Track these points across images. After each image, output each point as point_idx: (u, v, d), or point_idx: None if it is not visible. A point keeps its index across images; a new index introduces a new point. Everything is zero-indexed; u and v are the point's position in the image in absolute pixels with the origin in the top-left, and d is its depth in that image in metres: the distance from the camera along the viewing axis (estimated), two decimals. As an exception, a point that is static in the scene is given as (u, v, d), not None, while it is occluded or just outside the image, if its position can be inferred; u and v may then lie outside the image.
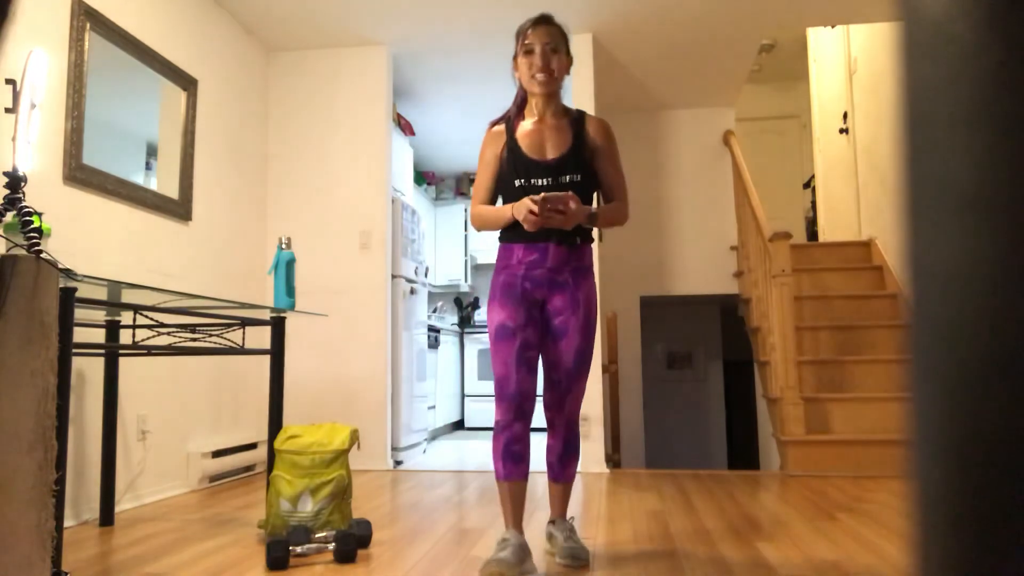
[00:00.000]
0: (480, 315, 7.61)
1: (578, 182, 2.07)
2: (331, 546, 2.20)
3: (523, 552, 1.98)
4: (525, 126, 2.15)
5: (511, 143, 2.13)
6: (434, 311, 7.31)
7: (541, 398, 1.97)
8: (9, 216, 1.98)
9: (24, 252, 1.87)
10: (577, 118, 2.18)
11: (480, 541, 2.43)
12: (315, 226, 4.36)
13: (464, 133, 6.11)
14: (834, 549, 2.26)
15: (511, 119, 2.18)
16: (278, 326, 2.76)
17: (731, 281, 5.37)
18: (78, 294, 1.91)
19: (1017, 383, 0.25)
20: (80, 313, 2.42)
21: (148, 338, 2.59)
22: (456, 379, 6.87)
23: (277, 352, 2.72)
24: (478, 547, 2.35)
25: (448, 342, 6.55)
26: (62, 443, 1.54)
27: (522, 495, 2.05)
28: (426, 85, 5.02)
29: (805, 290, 4.96)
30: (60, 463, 1.50)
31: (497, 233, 2.19)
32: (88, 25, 2.89)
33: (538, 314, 2.09)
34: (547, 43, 2.07)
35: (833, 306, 4.74)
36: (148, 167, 3.33)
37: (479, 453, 5.11)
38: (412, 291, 4.82)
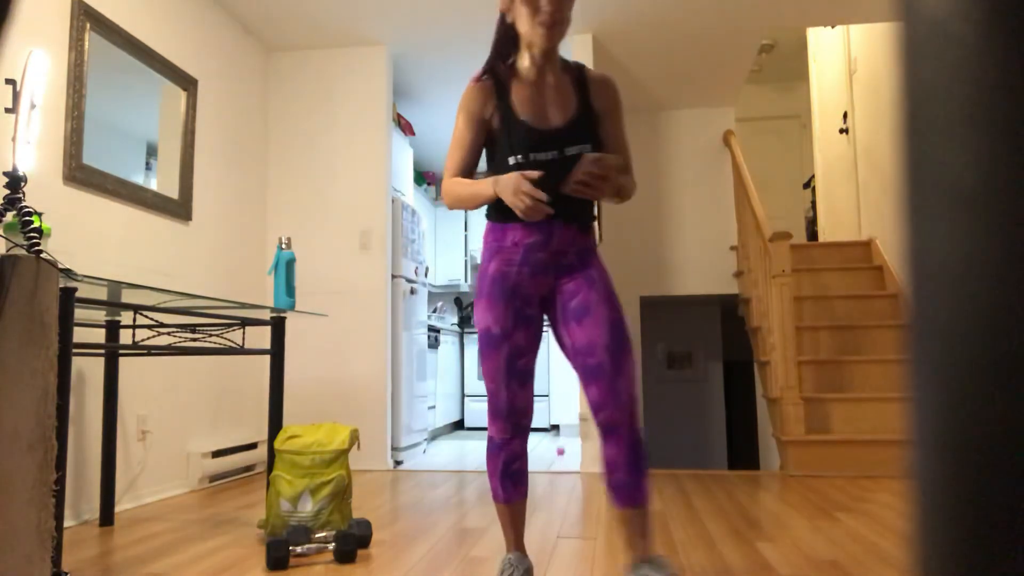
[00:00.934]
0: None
1: (588, 151, 1.69)
2: (331, 546, 2.20)
3: None
4: (519, 85, 1.72)
5: (504, 107, 1.70)
6: (434, 311, 7.31)
7: (587, 400, 1.65)
8: (9, 216, 1.98)
9: (24, 252, 1.87)
10: (579, 74, 1.76)
11: (480, 541, 2.43)
12: (315, 226, 4.36)
13: (464, 133, 6.10)
14: (834, 549, 2.26)
15: (500, 74, 1.73)
16: (278, 326, 2.76)
17: (731, 281, 5.37)
18: (78, 294, 1.91)
19: (1017, 383, 0.25)
20: (80, 313, 2.42)
21: (148, 338, 2.59)
22: (456, 379, 6.87)
23: (277, 352, 2.72)
24: (478, 547, 2.35)
25: (448, 342, 6.55)
26: (62, 443, 1.54)
27: (523, 514, 1.82)
28: (426, 85, 5.03)
29: (805, 290, 4.96)
30: (60, 463, 1.50)
31: (483, 210, 1.88)
32: (88, 25, 2.89)
33: (534, 311, 1.73)
34: None
35: (833, 306, 4.74)
36: (148, 167, 3.33)
37: (479, 453, 5.11)
38: (412, 291, 4.82)
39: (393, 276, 4.48)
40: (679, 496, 3.23)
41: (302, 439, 2.40)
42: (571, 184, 1.55)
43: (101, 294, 2.09)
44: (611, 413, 1.61)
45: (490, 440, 1.76)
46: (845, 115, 5.74)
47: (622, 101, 1.80)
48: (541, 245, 1.69)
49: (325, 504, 2.32)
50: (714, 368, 6.75)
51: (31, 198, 2.51)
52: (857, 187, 5.52)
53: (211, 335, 2.67)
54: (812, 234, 6.83)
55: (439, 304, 7.48)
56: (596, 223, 1.87)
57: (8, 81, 2.22)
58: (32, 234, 1.91)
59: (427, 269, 5.52)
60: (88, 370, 2.89)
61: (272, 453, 2.47)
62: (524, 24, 1.66)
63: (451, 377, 6.65)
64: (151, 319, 2.47)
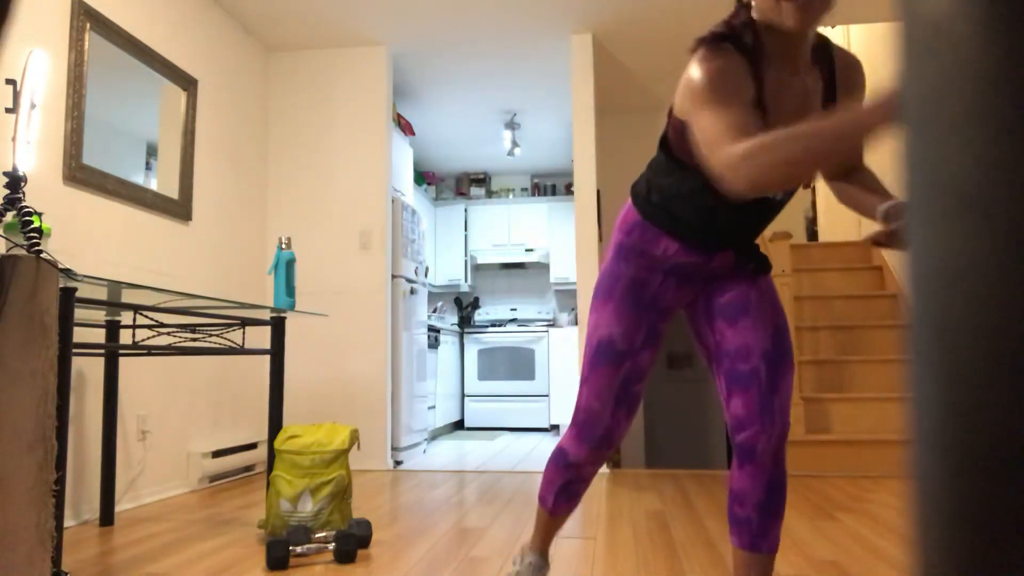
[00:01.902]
0: (480, 315, 7.61)
1: (782, 199, 1.36)
2: (331, 546, 2.20)
3: None
4: (774, 77, 1.23)
5: (759, 103, 1.20)
6: (434, 311, 7.31)
7: (727, 415, 1.36)
8: (9, 216, 1.98)
9: (24, 252, 1.87)
10: (828, 65, 1.29)
11: (480, 541, 2.43)
12: (315, 226, 4.36)
13: (464, 133, 6.11)
14: (834, 549, 2.26)
15: (752, 50, 1.21)
16: (278, 326, 2.76)
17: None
18: (78, 294, 1.91)
19: (1017, 383, 0.25)
20: (80, 313, 2.42)
21: (148, 338, 2.59)
22: (456, 379, 6.86)
23: (277, 352, 2.72)
24: (478, 547, 2.35)
25: (448, 342, 6.54)
26: (62, 443, 1.54)
27: (561, 526, 1.62)
28: (426, 85, 5.03)
29: (805, 290, 4.96)
30: (60, 463, 1.51)
31: (635, 207, 1.41)
32: (88, 25, 2.89)
33: (665, 326, 1.44)
34: None
35: (833, 306, 4.74)
36: (148, 167, 3.33)
37: (479, 453, 5.11)
38: (412, 291, 4.82)
39: (393, 276, 4.48)
40: (679, 496, 3.23)
41: (302, 439, 2.40)
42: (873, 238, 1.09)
43: (101, 294, 2.09)
44: (755, 435, 1.30)
45: (561, 452, 1.50)
46: (845, 115, 5.73)
47: (864, 79, 1.34)
48: (698, 265, 1.39)
49: (325, 504, 2.31)
50: (714, 368, 6.74)
51: (31, 198, 2.50)
52: (857, 187, 5.52)
53: (211, 335, 2.67)
54: (812, 234, 6.83)
55: (439, 304, 7.48)
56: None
57: (8, 81, 2.22)
58: (32, 234, 1.91)
59: (427, 269, 5.53)
60: (88, 370, 2.89)
61: (272, 453, 2.46)
62: (768, 2, 1.16)
63: (451, 377, 6.65)
64: (151, 319, 2.47)
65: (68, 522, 2.72)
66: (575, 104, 4.26)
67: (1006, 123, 0.25)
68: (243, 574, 2.06)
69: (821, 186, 6.39)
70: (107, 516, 2.74)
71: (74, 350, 1.90)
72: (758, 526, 1.32)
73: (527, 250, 7.27)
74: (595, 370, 1.42)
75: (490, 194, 7.52)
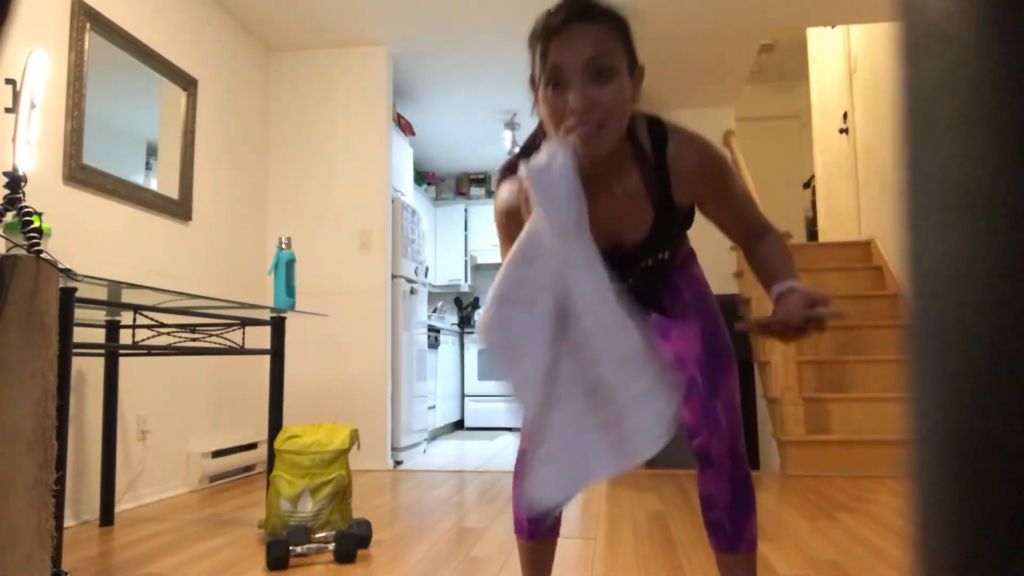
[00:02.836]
0: (480, 315, 7.60)
1: (664, 258, 1.34)
2: (331, 546, 2.20)
3: None
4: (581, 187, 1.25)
5: None
6: (434, 311, 7.31)
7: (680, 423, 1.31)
8: (9, 216, 1.98)
9: (24, 252, 1.87)
10: (655, 159, 1.23)
11: (480, 541, 2.43)
12: (315, 226, 4.36)
13: (464, 133, 6.11)
14: (834, 549, 2.26)
15: None
16: (278, 326, 2.76)
17: (731, 281, 5.37)
18: (78, 294, 1.91)
19: (1017, 383, 0.25)
20: (80, 313, 2.42)
21: (148, 338, 2.59)
22: (456, 379, 6.86)
23: (277, 352, 2.72)
24: (478, 547, 2.35)
25: (448, 342, 6.54)
26: (62, 443, 1.54)
27: (550, 559, 1.48)
28: (426, 85, 5.02)
29: (805, 290, 4.95)
30: (60, 463, 1.50)
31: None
32: (88, 25, 2.89)
33: None
34: (588, 62, 1.09)
35: (833, 306, 4.74)
36: (148, 167, 3.33)
37: (479, 453, 5.11)
38: (412, 291, 4.82)
39: (393, 276, 4.48)
40: (679, 496, 3.23)
41: (302, 439, 2.40)
42: (755, 325, 1.11)
43: (101, 294, 2.09)
44: (706, 440, 1.31)
45: (520, 456, 1.40)
46: (845, 115, 5.74)
47: (726, 171, 1.28)
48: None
49: (325, 504, 2.31)
50: (714, 368, 6.74)
51: (31, 198, 2.50)
52: (857, 187, 5.52)
53: (211, 335, 2.67)
54: (812, 234, 6.83)
55: (439, 304, 7.48)
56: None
57: (8, 81, 2.22)
58: (32, 234, 1.92)
59: (427, 269, 5.52)
60: (88, 370, 2.89)
61: (272, 453, 2.46)
62: (551, 132, 1.14)
63: (451, 377, 6.65)
64: (151, 319, 2.47)
65: (68, 522, 2.72)
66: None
67: (1006, 123, 0.25)
68: (243, 574, 2.06)
69: (821, 186, 6.39)
70: (107, 516, 2.74)
71: (74, 350, 1.90)
72: (731, 527, 1.32)
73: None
74: None
75: (490, 194, 7.52)
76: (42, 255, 1.79)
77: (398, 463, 4.39)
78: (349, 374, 4.21)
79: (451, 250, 7.38)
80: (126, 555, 2.29)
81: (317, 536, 2.25)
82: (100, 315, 2.65)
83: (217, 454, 3.60)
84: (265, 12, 4.02)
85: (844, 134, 5.77)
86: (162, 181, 3.41)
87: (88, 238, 2.89)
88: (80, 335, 2.50)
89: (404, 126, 5.28)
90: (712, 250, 5.38)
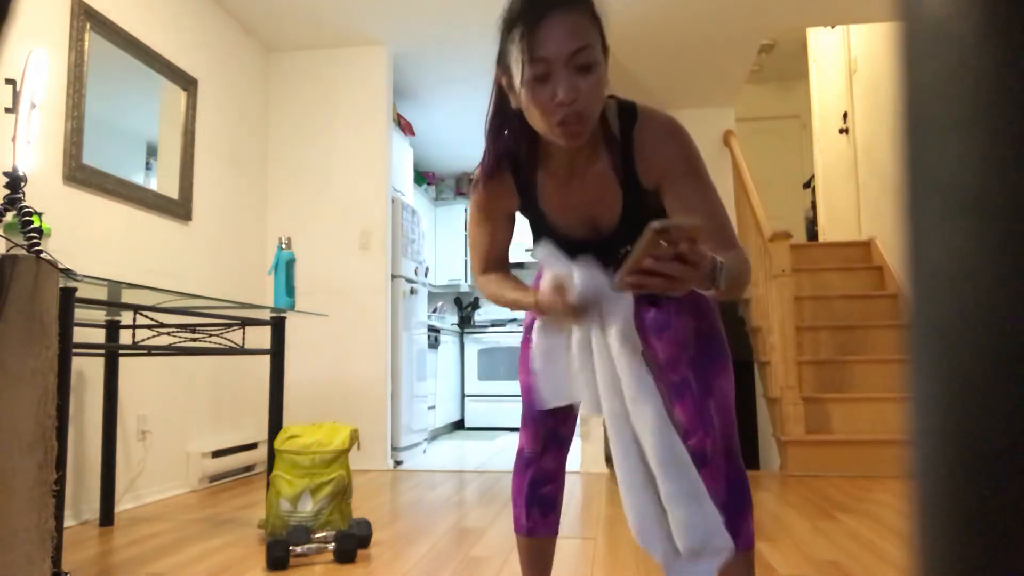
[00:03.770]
0: (480, 315, 7.61)
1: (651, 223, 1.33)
2: (331, 546, 2.20)
3: None
4: (547, 178, 1.29)
5: (533, 210, 1.32)
6: (434, 311, 7.31)
7: (673, 421, 1.30)
8: (9, 216, 1.98)
9: (24, 252, 1.87)
10: (621, 138, 1.24)
11: (480, 541, 2.43)
12: (315, 226, 4.36)
13: (464, 133, 6.11)
14: (834, 549, 2.26)
15: (520, 162, 1.29)
16: (278, 326, 2.76)
17: (731, 281, 5.37)
18: (78, 294, 1.91)
19: (1017, 383, 0.25)
20: (80, 313, 2.42)
21: (148, 338, 2.59)
22: (456, 379, 6.86)
23: (277, 352, 2.72)
24: (478, 547, 2.35)
25: (448, 342, 6.54)
26: (62, 443, 1.54)
27: (549, 557, 1.46)
28: (426, 85, 5.02)
29: (805, 290, 4.96)
30: (60, 463, 1.51)
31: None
32: (88, 25, 2.89)
33: None
34: (572, 55, 1.09)
35: (833, 306, 4.74)
36: (148, 167, 3.33)
37: (479, 453, 5.11)
38: (412, 291, 4.82)
39: (393, 276, 4.48)
40: (679, 496, 3.23)
41: (302, 439, 2.40)
42: (624, 279, 0.97)
43: (101, 294, 2.09)
44: (701, 440, 1.33)
45: (519, 454, 1.45)
46: (845, 115, 5.74)
47: (690, 150, 1.25)
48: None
49: (325, 504, 2.31)
50: (714, 368, 6.74)
51: (31, 198, 2.50)
52: (857, 187, 5.52)
53: (211, 335, 2.67)
54: (812, 234, 6.83)
55: (439, 304, 7.48)
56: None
57: (8, 81, 2.22)
58: (32, 234, 1.91)
59: (427, 269, 5.52)
60: (88, 370, 2.89)
61: (272, 453, 2.46)
62: (539, 123, 1.14)
63: (451, 377, 6.65)
64: (151, 319, 2.47)
65: (68, 522, 2.72)
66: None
67: (1006, 123, 0.25)
68: (243, 574, 2.06)
69: (821, 186, 6.39)
70: (107, 516, 2.74)
71: (74, 350, 1.90)
72: (729, 525, 1.31)
73: (527, 250, 7.27)
74: (524, 344, 1.45)
75: (490, 194, 7.52)
76: (42, 255, 1.79)
77: (398, 463, 4.39)
78: (349, 374, 4.21)
79: (451, 250, 7.38)
80: (126, 555, 2.29)
81: (317, 536, 2.25)
82: (100, 315, 2.65)
83: (217, 454, 3.60)
84: (265, 12, 4.02)
85: (844, 134, 5.77)
86: (162, 181, 3.41)
87: (88, 238, 2.89)
88: (80, 335, 2.51)
89: (404, 126, 5.28)
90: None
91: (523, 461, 1.43)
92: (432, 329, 5.89)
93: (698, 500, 1.15)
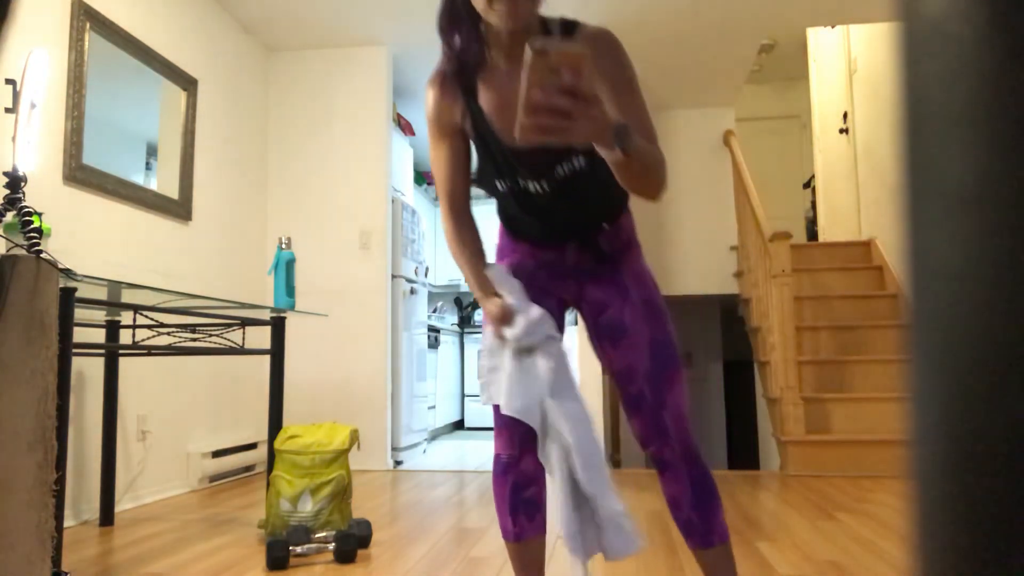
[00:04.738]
0: (480, 315, 7.60)
1: (582, 168, 1.29)
2: (331, 546, 2.20)
3: None
4: (489, 82, 1.31)
5: (474, 114, 1.32)
6: (434, 311, 7.31)
7: (630, 428, 1.42)
8: (9, 216, 1.98)
9: (24, 252, 1.87)
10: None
11: (480, 541, 2.43)
12: (315, 226, 4.36)
13: (464, 133, 6.10)
14: (834, 549, 2.26)
15: (465, 63, 1.32)
16: (278, 326, 2.76)
17: (731, 281, 5.37)
18: (78, 294, 1.91)
19: (1017, 383, 0.25)
20: (80, 313, 2.42)
21: (148, 338, 2.59)
22: (456, 379, 6.86)
23: (277, 352, 2.72)
24: (478, 547, 2.35)
25: (448, 342, 6.54)
26: (62, 443, 1.54)
27: (541, 554, 1.44)
28: (426, 85, 5.02)
29: (805, 290, 4.96)
30: (60, 463, 1.50)
31: (495, 212, 1.51)
32: (88, 25, 2.89)
33: (552, 304, 1.41)
34: None
35: (833, 306, 4.74)
36: (148, 167, 3.33)
37: (479, 453, 5.11)
38: (412, 291, 4.82)
39: (393, 276, 4.48)
40: (679, 496, 3.23)
41: (302, 439, 2.40)
42: (521, 123, 0.91)
43: (101, 294, 2.09)
44: (659, 449, 1.37)
45: (496, 460, 1.42)
46: (845, 115, 5.74)
47: (626, 61, 1.32)
48: (557, 261, 1.43)
49: (325, 504, 2.31)
50: (714, 368, 6.75)
51: (31, 198, 2.50)
52: (857, 187, 5.52)
53: (211, 335, 2.67)
54: (812, 234, 6.83)
55: (439, 304, 7.47)
56: (625, 207, 1.48)
57: (8, 81, 2.22)
58: (32, 234, 1.91)
59: (427, 269, 5.52)
60: (88, 370, 2.89)
61: (272, 453, 2.46)
62: (479, 2, 1.20)
63: (451, 377, 6.65)
64: (151, 319, 2.47)
65: (68, 522, 2.72)
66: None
67: (1006, 123, 0.25)
68: (243, 574, 2.06)
69: (821, 186, 6.39)
70: (107, 516, 2.74)
71: (74, 350, 1.90)
72: (700, 523, 1.37)
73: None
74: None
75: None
76: (42, 255, 1.79)
77: (398, 463, 4.39)
78: (349, 374, 4.21)
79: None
80: (126, 555, 2.29)
81: (317, 536, 2.25)
82: (100, 315, 2.65)
83: (217, 454, 3.60)
84: (265, 12, 4.02)
85: (844, 134, 5.77)
86: (162, 181, 3.41)
87: (88, 238, 2.89)
88: (80, 335, 2.51)
89: (404, 126, 5.28)
90: (712, 250, 5.40)
91: (501, 466, 1.42)
92: (432, 329, 5.89)
93: (612, 492, 1.26)
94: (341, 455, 2.39)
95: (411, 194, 5.43)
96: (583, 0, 3.90)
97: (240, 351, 2.59)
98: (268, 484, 2.40)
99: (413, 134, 5.66)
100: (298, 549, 2.17)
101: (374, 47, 4.42)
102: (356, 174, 4.36)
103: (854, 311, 4.70)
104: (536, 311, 1.30)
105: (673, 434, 1.36)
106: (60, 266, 1.64)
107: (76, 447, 2.80)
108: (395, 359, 4.44)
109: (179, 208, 3.50)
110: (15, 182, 1.99)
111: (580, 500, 1.28)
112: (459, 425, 7.08)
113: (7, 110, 2.23)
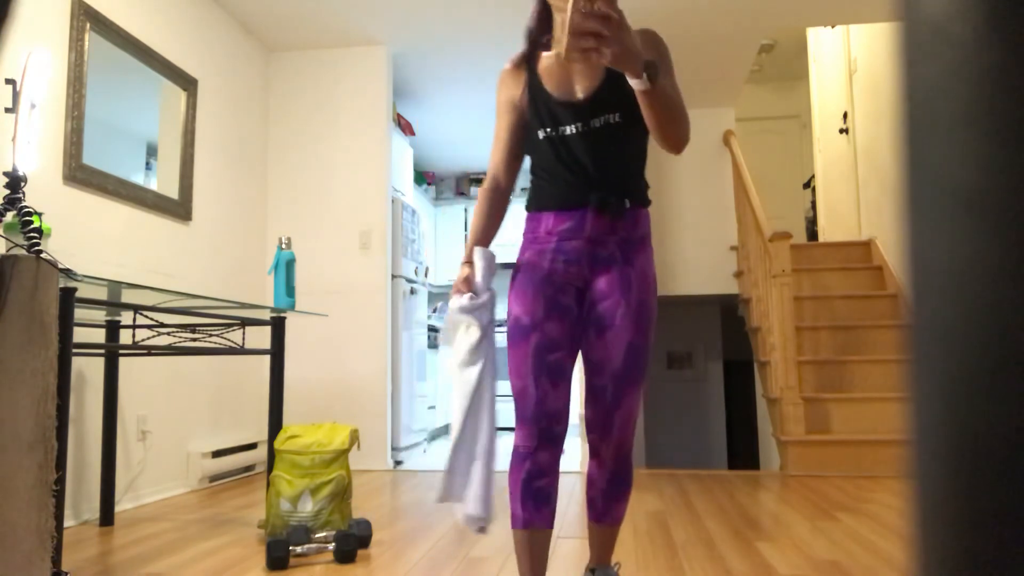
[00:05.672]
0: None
1: (617, 123, 1.52)
2: (331, 546, 2.20)
3: None
4: (549, 58, 1.59)
5: (532, 81, 1.59)
6: (434, 311, 7.31)
7: (583, 410, 1.60)
8: (9, 216, 1.98)
9: (24, 252, 1.87)
10: None
11: (480, 541, 2.43)
12: (315, 226, 4.36)
13: (464, 133, 6.11)
14: (834, 549, 2.26)
15: (533, 49, 1.63)
16: (278, 326, 2.76)
17: (731, 281, 5.37)
18: (78, 294, 1.91)
19: (1017, 383, 0.25)
20: (80, 313, 2.42)
21: (148, 338, 2.59)
22: (456, 379, 6.85)
23: (277, 352, 2.72)
24: (478, 547, 2.35)
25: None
26: (62, 443, 1.54)
27: (545, 548, 1.54)
28: (426, 85, 5.02)
29: (805, 290, 4.96)
30: (60, 463, 1.50)
31: (523, 202, 1.71)
32: (88, 25, 2.89)
33: (570, 301, 1.56)
34: None
35: (833, 306, 4.74)
36: (148, 167, 3.33)
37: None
38: (412, 291, 4.82)
39: (393, 276, 4.48)
40: (679, 496, 3.23)
41: (302, 439, 2.40)
42: (569, 44, 1.14)
43: (101, 294, 2.09)
44: (599, 439, 1.58)
45: (515, 451, 1.55)
46: (845, 115, 5.74)
47: (664, 50, 1.60)
48: (575, 231, 1.53)
49: (325, 504, 2.31)
50: (714, 368, 6.75)
51: (31, 198, 2.50)
52: (857, 187, 5.52)
53: (211, 335, 2.67)
54: (812, 234, 6.83)
55: (439, 304, 7.47)
56: (644, 207, 1.62)
57: (8, 81, 2.22)
58: (32, 234, 1.91)
59: (427, 269, 5.52)
60: (88, 370, 2.89)
61: (272, 453, 2.47)
62: (556, 27, 1.56)
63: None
64: (151, 319, 2.47)
65: (68, 522, 2.72)
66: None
67: (1006, 123, 0.25)
68: (243, 574, 2.06)
69: (821, 186, 6.39)
70: (107, 516, 2.74)
71: (74, 350, 1.90)
72: (602, 505, 1.63)
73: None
74: (511, 350, 1.56)
75: (490, 194, 7.51)
76: (42, 255, 1.79)
77: (398, 463, 4.39)
78: (349, 374, 4.21)
79: (451, 250, 7.37)
80: (126, 555, 2.29)
81: (317, 536, 2.25)
82: (100, 315, 2.65)
83: (217, 454, 3.60)
84: (265, 12, 4.02)
85: (844, 134, 5.77)
86: (162, 181, 3.41)
87: (88, 238, 2.89)
88: (80, 335, 2.51)
89: (404, 126, 5.28)
90: (712, 250, 5.40)
91: (519, 457, 1.54)
92: (432, 329, 5.89)
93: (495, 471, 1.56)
94: (341, 455, 2.39)
95: (411, 194, 5.43)
96: (583, 0, 3.90)
97: (240, 351, 2.60)
98: (268, 484, 2.40)
99: (413, 134, 5.66)
100: (298, 549, 2.17)
101: (374, 47, 4.42)
102: (356, 174, 4.36)
103: (854, 311, 4.70)
104: (485, 297, 1.56)
105: (615, 433, 1.55)
106: (60, 266, 1.64)
107: (76, 447, 2.80)
108: (395, 359, 4.44)
109: (179, 208, 3.50)
110: (15, 182, 1.99)
111: (472, 455, 1.53)
112: (459, 425, 7.07)
113: (7, 110, 2.23)
